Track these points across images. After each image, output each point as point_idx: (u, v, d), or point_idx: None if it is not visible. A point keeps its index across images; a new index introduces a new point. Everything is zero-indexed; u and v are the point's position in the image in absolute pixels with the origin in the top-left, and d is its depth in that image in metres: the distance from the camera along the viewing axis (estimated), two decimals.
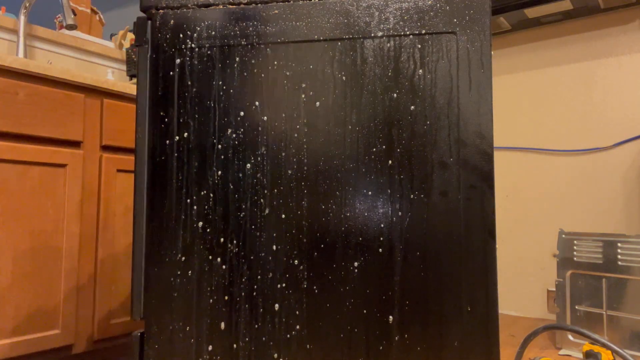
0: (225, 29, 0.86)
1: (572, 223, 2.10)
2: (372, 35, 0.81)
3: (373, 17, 0.81)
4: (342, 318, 0.79)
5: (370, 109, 0.80)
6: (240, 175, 0.85)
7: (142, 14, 0.89)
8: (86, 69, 2.09)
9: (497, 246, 2.28)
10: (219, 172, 0.85)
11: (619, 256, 1.59)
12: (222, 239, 0.84)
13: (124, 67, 2.21)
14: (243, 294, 0.82)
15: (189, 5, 0.87)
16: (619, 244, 1.59)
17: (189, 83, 0.87)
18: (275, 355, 0.80)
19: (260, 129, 0.85)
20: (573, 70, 2.12)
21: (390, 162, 0.79)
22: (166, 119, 0.87)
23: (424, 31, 0.79)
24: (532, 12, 2.02)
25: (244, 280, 0.82)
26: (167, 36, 0.87)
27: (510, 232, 2.26)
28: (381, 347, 0.78)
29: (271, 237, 0.82)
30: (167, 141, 0.87)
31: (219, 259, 0.84)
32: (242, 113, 0.86)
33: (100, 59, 2.15)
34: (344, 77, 0.81)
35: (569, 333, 1.66)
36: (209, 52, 0.87)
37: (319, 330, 0.79)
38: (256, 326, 0.81)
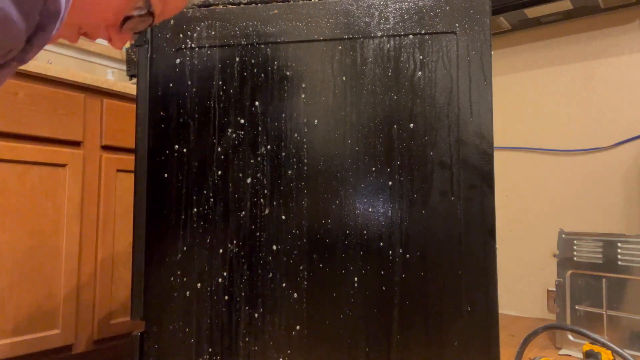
0: (225, 29, 0.86)
1: (572, 223, 2.10)
2: (372, 35, 0.81)
3: (373, 17, 0.81)
4: (342, 317, 0.79)
5: (370, 108, 0.80)
6: (240, 175, 0.85)
7: None
8: (86, 69, 2.09)
9: (497, 246, 2.28)
10: (219, 172, 0.85)
11: (619, 256, 1.59)
12: (222, 239, 0.84)
13: (124, 67, 2.21)
14: (243, 294, 0.82)
15: (189, 5, 0.86)
16: (619, 244, 1.59)
17: (189, 83, 0.87)
18: (276, 355, 0.80)
19: (260, 129, 0.85)
20: (573, 70, 2.12)
21: (390, 162, 0.79)
22: (166, 119, 0.87)
23: (423, 31, 0.79)
24: (532, 12, 2.02)
25: (244, 280, 0.82)
26: (167, 36, 0.87)
27: (510, 232, 2.26)
28: (381, 347, 0.78)
29: (271, 237, 0.82)
30: (167, 141, 0.87)
31: (219, 259, 0.84)
32: (242, 113, 0.86)
33: (100, 59, 2.15)
34: (344, 77, 0.81)
35: (569, 333, 1.66)
36: (209, 52, 0.87)
37: (319, 330, 0.79)
38: (256, 326, 0.81)
